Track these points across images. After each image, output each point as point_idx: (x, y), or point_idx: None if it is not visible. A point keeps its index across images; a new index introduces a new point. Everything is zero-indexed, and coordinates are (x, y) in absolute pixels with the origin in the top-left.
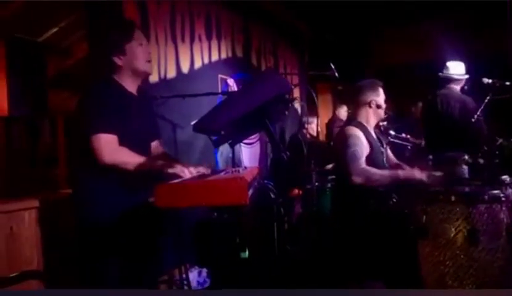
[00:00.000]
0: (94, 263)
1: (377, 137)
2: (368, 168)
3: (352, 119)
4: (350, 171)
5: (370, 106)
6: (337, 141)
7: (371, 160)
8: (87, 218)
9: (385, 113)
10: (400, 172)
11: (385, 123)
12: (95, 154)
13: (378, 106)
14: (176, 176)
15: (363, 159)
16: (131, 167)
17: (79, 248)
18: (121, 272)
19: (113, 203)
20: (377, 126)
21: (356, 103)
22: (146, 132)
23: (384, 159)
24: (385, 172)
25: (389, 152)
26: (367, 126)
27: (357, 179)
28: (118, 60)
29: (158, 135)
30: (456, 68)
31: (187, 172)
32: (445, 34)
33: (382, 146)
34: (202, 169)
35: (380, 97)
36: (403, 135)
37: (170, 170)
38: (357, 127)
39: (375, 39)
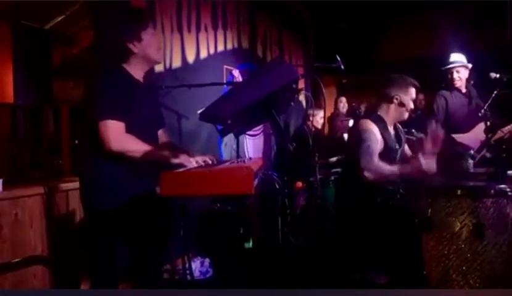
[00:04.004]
0: (100, 250)
1: (396, 134)
2: (380, 164)
3: (373, 112)
4: (362, 166)
5: (392, 102)
6: (352, 133)
7: (383, 156)
8: (93, 206)
9: (410, 115)
10: (408, 166)
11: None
12: (102, 141)
13: (401, 104)
14: (182, 166)
15: (376, 155)
16: (138, 155)
17: (86, 235)
18: (126, 260)
19: (119, 192)
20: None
21: (379, 96)
22: (153, 121)
23: (398, 157)
24: (395, 168)
25: (406, 147)
26: (386, 121)
27: (369, 175)
28: (133, 47)
29: (163, 123)
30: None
31: (193, 162)
32: (452, 28)
33: (399, 144)
34: (208, 159)
35: (407, 95)
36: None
37: (176, 160)
38: (374, 121)
39: (382, 31)
